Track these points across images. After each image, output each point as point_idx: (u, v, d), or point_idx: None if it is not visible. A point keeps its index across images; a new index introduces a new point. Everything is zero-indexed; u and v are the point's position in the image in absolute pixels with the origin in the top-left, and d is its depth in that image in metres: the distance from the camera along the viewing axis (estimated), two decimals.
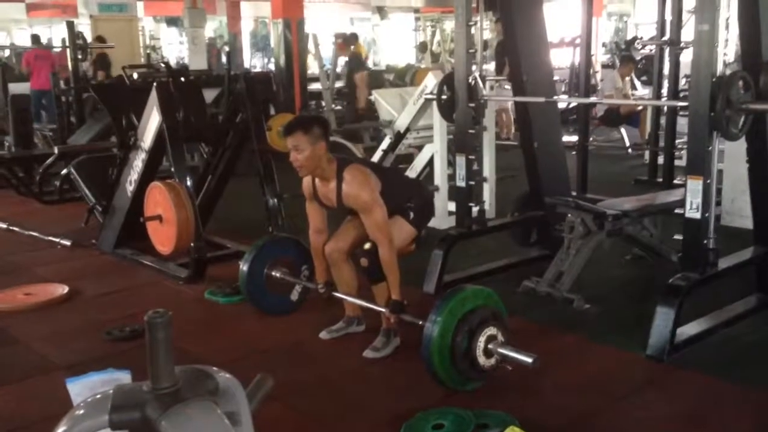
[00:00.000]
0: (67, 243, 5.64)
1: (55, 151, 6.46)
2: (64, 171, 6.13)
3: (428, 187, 4.39)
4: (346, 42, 12.26)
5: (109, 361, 3.29)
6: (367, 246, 3.44)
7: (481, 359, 2.99)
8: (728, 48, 3.54)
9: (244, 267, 3.96)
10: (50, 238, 5.75)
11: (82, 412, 1.22)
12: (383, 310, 3.42)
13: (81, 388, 2.43)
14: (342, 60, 12.34)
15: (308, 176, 3.50)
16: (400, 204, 3.50)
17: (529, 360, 2.91)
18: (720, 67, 3.38)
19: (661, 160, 7.17)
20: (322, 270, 3.72)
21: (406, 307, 3.39)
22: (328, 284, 3.72)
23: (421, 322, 3.05)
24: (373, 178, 3.40)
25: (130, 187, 5.25)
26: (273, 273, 3.97)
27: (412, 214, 3.55)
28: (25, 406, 3.16)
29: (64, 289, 4.53)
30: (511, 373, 3.29)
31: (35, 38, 12.89)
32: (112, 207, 5.50)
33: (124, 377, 2.59)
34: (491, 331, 3.01)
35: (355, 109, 11.19)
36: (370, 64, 16.47)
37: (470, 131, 4.58)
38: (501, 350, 2.99)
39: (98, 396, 1.25)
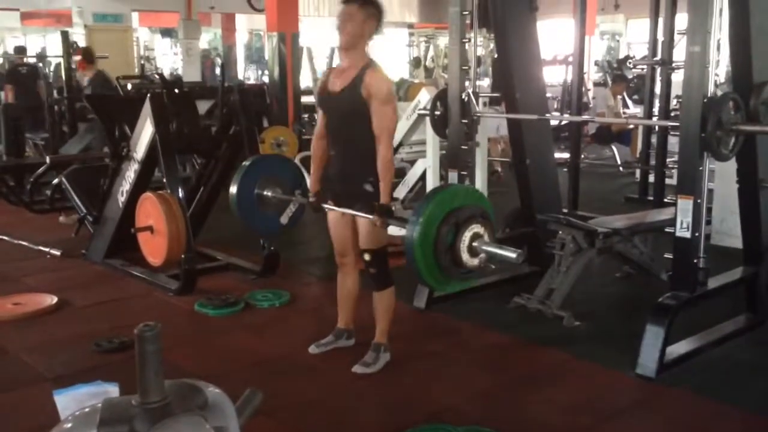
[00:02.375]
0: (57, 253, 5.61)
1: (47, 160, 6.44)
2: (56, 180, 6.11)
3: None
4: None
5: (97, 373, 3.26)
6: (366, 257, 3.42)
7: (465, 256, 2.83)
8: (719, 69, 3.56)
9: (233, 187, 3.76)
10: (40, 247, 5.72)
11: (69, 425, 1.21)
12: (371, 217, 3.25)
13: (68, 401, 2.41)
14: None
15: (325, 73, 3.48)
16: (364, 172, 3.32)
17: (513, 255, 2.77)
18: (711, 89, 3.41)
19: (652, 178, 7.21)
20: (316, 178, 3.60)
21: (392, 211, 3.25)
22: (318, 194, 3.59)
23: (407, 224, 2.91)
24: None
25: (121, 198, 5.24)
26: (264, 192, 3.77)
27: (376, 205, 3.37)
28: (12, 418, 3.13)
29: (53, 300, 4.50)
30: (500, 391, 3.29)
31: (19, 50, 12.81)
32: (103, 217, 5.49)
33: (113, 390, 2.57)
34: (477, 228, 2.85)
35: None
36: None
37: (463, 147, 4.60)
38: (486, 248, 2.84)
39: (86, 409, 1.25)
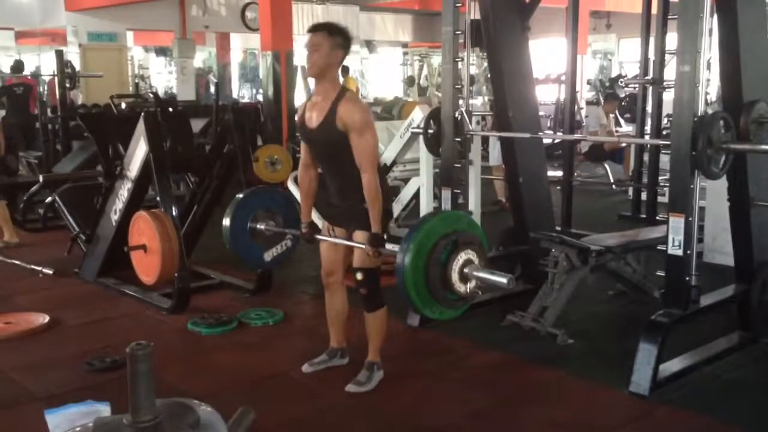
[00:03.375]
0: (50, 272, 5.59)
1: (40, 179, 6.44)
2: (49, 199, 6.10)
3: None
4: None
5: (88, 392, 3.26)
6: (359, 276, 3.41)
7: (457, 282, 2.82)
8: (709, 88, 3.59)
9: (226, 219, 3.77)
10: (32, 266, 5.70)
11: None
12: (362, 245, 3.28)
13: (60, 420, 2.41)
14: None
15: (303, 104, 3.47)
16: (361, 194, 3.31)
17: (504, 281, 2.77)
18: (701, 108, 3.43)
19: (644, 196, 7.24)
20: (308, 209, 3.62)
21: (385, 241, 3.25)
22: (311, 225, 3.61)
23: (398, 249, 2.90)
24: (371, 113, 3.37)
25: (114, 216, 5.23)
26: (258, 226, 3.78)
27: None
28: None
29: (44, 319, 4.48)
30: (494, 409, 3.28)
31: (17, 66, 12.81)
32: (96, 236, 5.48)
33: (104, 409, 2.57)
34: (469, 255, 2.85)
35: None
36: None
37: (456, 165, 4.61)
38: (477, 273, 2.83)
39: (78, 428, 1.24)
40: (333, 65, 3.33)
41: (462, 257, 2.83)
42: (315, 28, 3.35)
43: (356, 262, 3.41)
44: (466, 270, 2.83)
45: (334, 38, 3.31)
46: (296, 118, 3.53)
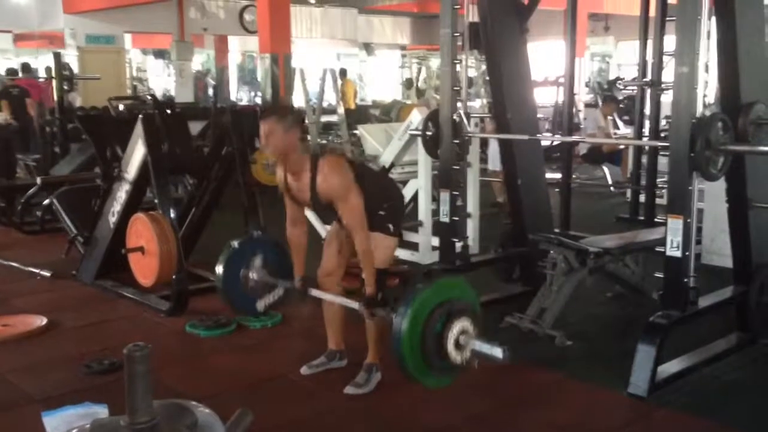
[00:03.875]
0: (47, 274, 5.58)
1: (38, 181, 6.44)
2: (46, 201, 6.10)
3: (400, 188, 4.28)
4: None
5: (86, 394, 3.25)
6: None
7: (453, 354, 2.85)
8: (708, 90, 3.59)
9: (219, 269, 3.79)
10: (30, 268, 5.69)
11: None
12: (356, 306, 3.31)
13: (57, 422, 2.40)
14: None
15: (281, 172, 3.45)
16: (376, 205, 3.39)
17: (499, 353, 2.78)
18: (700, 109, 3.44)
19: (642, 198, 7.24)
20: (300, 264, 3.63)
21: (380, 302, 3.29)
22: (305, 278, 3.61)
23: (394, 315, 2.95)
24: (347, 166, 3.36)
25: (112, 219, 5.22)
26: (250, 275, 3.78)
27: (391, 227, 3.46)
28: None
29: (42, 321, 4.47)
30: (492, 410, 3.28)
31: (25, 67, 12.82)
32: (93, 238, 5.47)
33: (101, 411, 2.56)
34: (462, 324, 2.87)
35: None
36: (356, 99, 16.59)
37: (454, 167, 4.61)
38: (471, 343, 2.85)
39: (75, 430, 1.24)
40: (293, 144, 3.32)
41: (457, 326, 2.86)
42: (264, 116, 3.35)
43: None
44: (461, 339, 2.86)
45: (284, 120, 3.30)
46: (278, 181, 3.51)
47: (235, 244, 3.85)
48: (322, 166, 3.30)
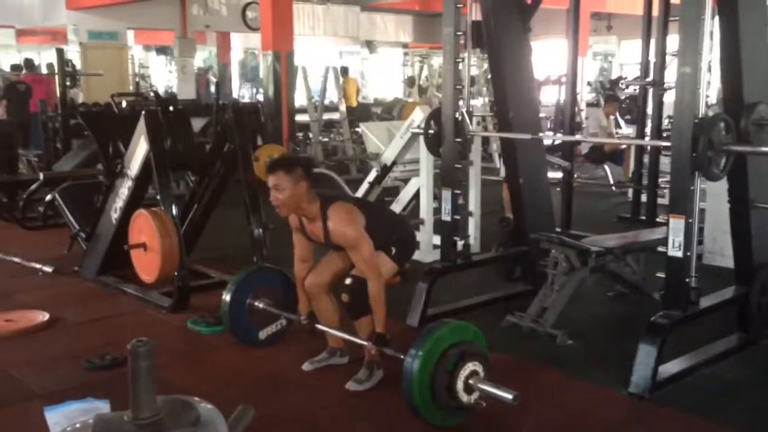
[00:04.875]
0: (50, 270, 5.59)
1: (40, 177, 6.44)
2: (49, 197, 6.10)
3: (410, 223, 4.35)
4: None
5: (88, 389, 3.27)
6: (348, 281, 3.44)
7: (462, 395, 2.95)
8: (710, 90, 3.59)
9: (226, 296, 3.94)
10: (32, 264, 5.70)
11: None
12: (366, 343, 3.41)
13: (59, 417, 2.41)
14: None
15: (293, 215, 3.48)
16: (382, 240, 3.47)
17: (510, 397, 2.86)
18: (702, 109, 3.44)
19: (644, 198, 7.24)
20: (306, 301, 3.70)
21: (389, 341, 3.37)
22: (311, 315, 3.70)
23: (402, 356, 3.04)
24: (358, 213, 3.40)
25: (114, 215, 5.23)
26: (256, 304, 3.94)
27: (393, 250, 3.53)
28: None
29: (44, 316, 4.48)
30: (493, 411, 3.28)
31: (29, 63, 12.81)
32: (96, 234, 5.47)
33: (103, 407, 2.57)
34: (473, 366, 2.98)
35: None
36: (358, 97, 16.58)
37: (456, 166, 4.62)
38: (482, 386, 2.95)
39: (78, 425, 1.25)
40: (302, 196, 3.34)
41: (468, 368, 2.95)
42: (271, 169, 3.34)
43: (355, 270, 3.45)
44: (471, 381, 2.95)
45: (293, 172, 3.30)
46: (291, 221, 3.53)
47: (244, 273, 4.00)
48: (331, 215, 3.34)
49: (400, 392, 3.02)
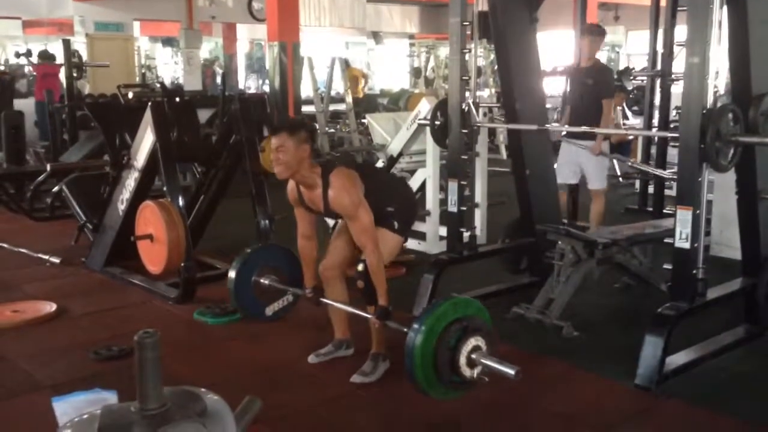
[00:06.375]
0: (57, 261, 5.61)
1: (47, 168, 6.45)
2: (56, 188, 6.12)
3: (410, 186, 4.33)
4: None
5: (95, 380, 3.28)
6: (360, 267, 3.43)
7: (464, 369, 2.92)
8: (718, 81, 3.57)
9: (232, 273, 3.99)
10: (39, 255, 5.72)
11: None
12: (370, 316, 3.39)
13: (67, 408, 2.42)
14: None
15: (292, 183, 3.48)
16: (382, 205, 3.44)
17: (512, 372, 2.84)
18: (710, 100, 3.42)
19: (651, 189, 7.22)
20: (311, 275, 3.69)
21: (392, 314, 3.36)
22: (316, 289, 3.68)
23: (406, 330, 3.01)
24: (358, 180, 3.39)
25: (121, 206, 5.24)
26: (261, 280, 3.97)
27: (396, 224, 3.50)
28: (11, 425, 3.13)
29: (52, 307, 4.50)
30: (498, 401, 3.29)
31: (45, 54, 12.77)
32: (102, 225, 5.49)
33: (111, 397, 2.58)
34: (475, 341, 2.95)
35: None
36: (365, 87, 16.55)
37: (463, 157, 4.61)
38: (484, 361, 2.92)
39: (85, 416, 1.25)
40: (303, 160, 3.33)
41: (471, 343, 2.93)
42: (275, 130, 3.35)
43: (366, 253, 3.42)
44: (473, 356, 2.93)
45: (296, 135, 3.31)
46: (288, 194, 3.55)
47: (249, 250, 4.02)
48: (332, 182, 3.33)
49: (406, 383, 3.02)
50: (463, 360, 2.92)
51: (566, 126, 5.78)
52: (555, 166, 5.47)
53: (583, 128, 5.30)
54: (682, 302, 3.56)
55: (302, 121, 3.48)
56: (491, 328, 3.08)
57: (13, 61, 14.88)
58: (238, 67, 19.96)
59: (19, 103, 11.08)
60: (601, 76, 5.62)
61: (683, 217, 3.50)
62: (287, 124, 3.44)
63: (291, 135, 3.30)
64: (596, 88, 5.51)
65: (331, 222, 5.45)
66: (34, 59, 12.68)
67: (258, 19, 15.74)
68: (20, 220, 6.75)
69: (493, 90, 12.02)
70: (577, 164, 5.76)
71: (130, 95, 8.90)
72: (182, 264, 4.61)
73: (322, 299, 3.67)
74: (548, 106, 7.92)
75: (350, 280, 3.63)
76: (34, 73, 12.60)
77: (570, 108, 5.80)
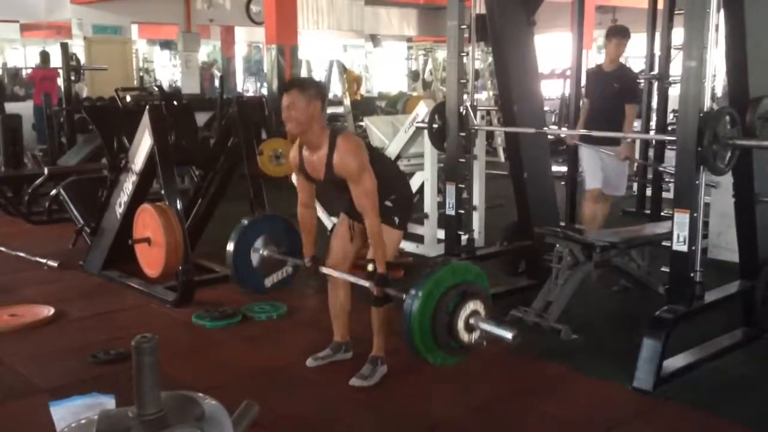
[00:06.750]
0: (54, 264, 5.60)
1: (45, 171, 6.45)
2: (54, 192, 6.11)
3: (408, 181, 4.29)
4: None
5: (93, 384, 3.28)
6: (369, 268, 3.42)
7: (462, 334, 2.89)
8: (715, 84, 3.58)
9: (230, 245, 3.91)
10: (37, 258, 5.72)
11: None
12: (368, 284, 3.34)
13: (64, 412, 2.42)
14: None
15: (295, 150, 3.46)
16: (381, 197, 3.38)
17: (510, 335, 2.82)
18: (707, 103, 3.42)
19: (649, 192, 7.23)
20: (310, 244, 3.66)
21: (390, 281, 3.33)
22: (315, 258, 3.65)
23: (404, 296, 3.00)
24: (365, 148, 3.37)
25: (119, 209, 5.24)
26: (261, 251, 3.90)
27: (397, 219, 3.47)
28: (8, 429, 3.12)
29: (49, 311, 4.49)
30: (498, 404, 3.29)
31: (45, 57, 12.76)
32: (100, 229, 5.49)
33: (108, 402, 2.58)
34: (474, 306, 2.92)
35: None
36: (362, 90, 16.56)
37: (460, 160, 4.61)
38: (482, 325, 2.90)
39: (83, 421, 1.25)
40: (314, 117, 3.31)
41: (469, 307, 2.91)
42: (286, 87, 3.35)
43: (371, 253, 3.40)
44: (472, 320, 2.90)
45: (307, 91, 3.29)
46: (291, 159, 3.54)
47: (247, 221, 3.93)
48: (340, 144, 3.29)
49: (404, 387, 3.03)
50: (461, 324, 2.88)
51: (581, 129, 5.72)
52: (582, 172, 5.45)
53: (582, 131, 5.31)
54: (679, 305, 3.56)
55: (313, 79, 3.45)
56: (489, 293, 3.04)
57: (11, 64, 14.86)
58: (236, 70, 19.97)
59: (17, 107, 11.10)
60: (627, 80, 5.57)
61: (681, 220, 3.50)
62: (297, 81, 3.42)
63: (302, 92, 3.28)
64: (622, 92, 5.43)
65: (329, 224, 5.46)
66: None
67: (256, 22, 15.75)
68: (18, 223, 6.73)
69: (491, 93, 12.04)
70: (601, 169, 5.70)
71: (128, 98, 8.90)
72: (180, 267, 4.60)
73: (320, 268, 3.62)
74: (546, 108, 7.93)
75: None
76: (32, 79, 12.58)
77: (589, 111, 5.71)
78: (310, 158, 3.41)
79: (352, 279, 3.52)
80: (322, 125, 3.37)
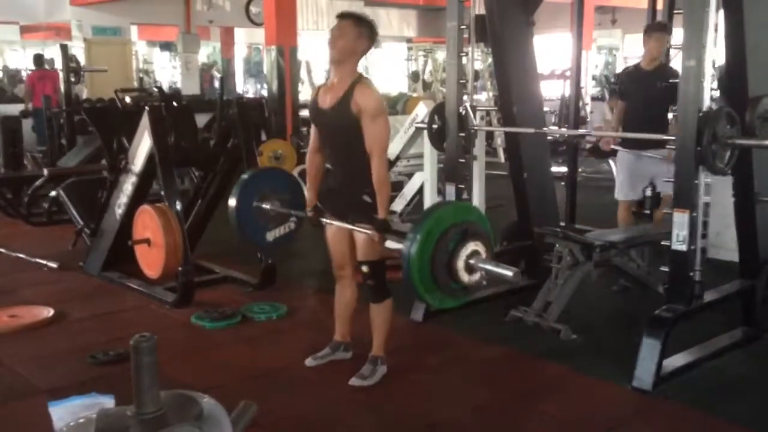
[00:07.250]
0: (54, 265, 5.60)
1: (45, 172, 6.45)
2: (53, 193, 6.11)
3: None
4: None
5: (92, 385, 3.28)
6: (365, 269, 3.42)
7: (462, 274, 2.82)
8: (715, 84, 3.58)
9: (232, 201, 3.81)
10: (37, 260, 5.72)
11: None
12: (369, 232, 3.29)
13: (63, 412, 2.42)
14: None
15: (313, 92, 3.47)
16: (359, 185, 3.34)
17: (510, 274, 2.77)
18: (706, 103, 3.43)
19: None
20: (313, 191, 3.64)
21: (391, 227, 3.30)
22: (316, 209, 3.62)
23: (407, 232, 2.91)
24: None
25: (119, 210, 5.24)
26: (263, 205, 3.80)
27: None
28: (7, 429, 3.12)
29: (49, 312, 4.49)
30: (497, 404, 3.29)
31: (38, 59, 12.78)
32: (100, 230, 5.49)
33: (108, 402, 2.58)
34: (474, 246, 2.85)
35: None
36: None
37: (460, 160, 4.61)
38: (482, 265, 2.82)
39: (81, 420, 1.25)
40: (356, 53, 3.32)
41: (470, 247, 2.82)
42: (342, 16, 3.35)
43: (360, 255, 3.41)
44: (472, 260, 2.82)
45: (360, 27, 3.31)
46: (310, 100, 3.54)
47: (249, 174, 3.87)
48: (365, 83, 3.30)
49: (404, 387, 3.02)
50: (461, 264, 2.81)
51: (616, 133, 5.47)
52: (617, 182, 5.22)
53: (582, 131, 5.29)
54: (679, 305, 3.56)
55: (371, 20, 3.42)
56: (490, 234, 2.97)
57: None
58: (235, 71, 19.96)
59: (16, 108, 11.11)
60: (674, 79, 4.94)
61: (680, 220, 3.51)
62: (355, 14, 3.42)
63: (356, 25, 3.29)
64: (669, 92, 4.77)
65: None
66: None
67: (256, 23, 15.74)
68: (18, 224, 6.73)
69: (490, 93, 12.05)
70: (648, 176, 5.40)
71: (128, 100, 8.90)
72: (180, 268, 4.61)
73: (322, 219, 3.57)
74: (546, 109, 7.93)
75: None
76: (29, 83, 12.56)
77: (628, 114, 5.31)
78: (329, 88, 3.39)
79: (353, 228, 3.42)
80: (356, 68, 3.36)
